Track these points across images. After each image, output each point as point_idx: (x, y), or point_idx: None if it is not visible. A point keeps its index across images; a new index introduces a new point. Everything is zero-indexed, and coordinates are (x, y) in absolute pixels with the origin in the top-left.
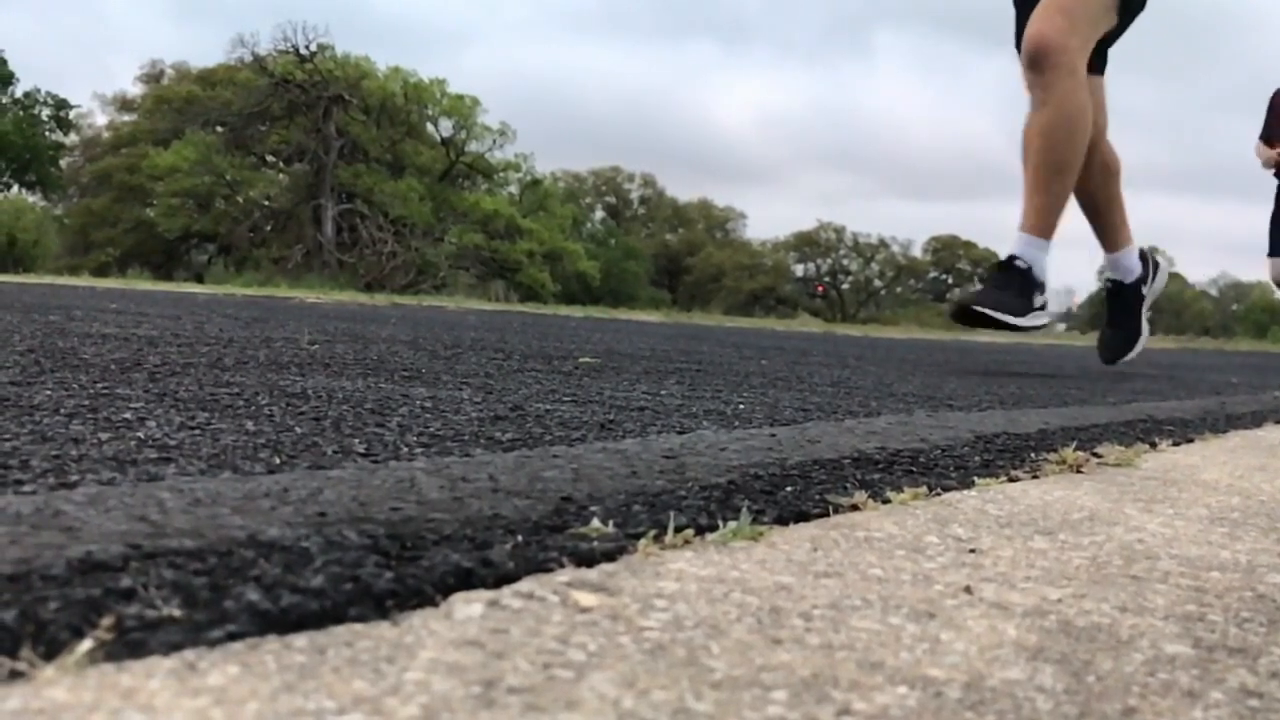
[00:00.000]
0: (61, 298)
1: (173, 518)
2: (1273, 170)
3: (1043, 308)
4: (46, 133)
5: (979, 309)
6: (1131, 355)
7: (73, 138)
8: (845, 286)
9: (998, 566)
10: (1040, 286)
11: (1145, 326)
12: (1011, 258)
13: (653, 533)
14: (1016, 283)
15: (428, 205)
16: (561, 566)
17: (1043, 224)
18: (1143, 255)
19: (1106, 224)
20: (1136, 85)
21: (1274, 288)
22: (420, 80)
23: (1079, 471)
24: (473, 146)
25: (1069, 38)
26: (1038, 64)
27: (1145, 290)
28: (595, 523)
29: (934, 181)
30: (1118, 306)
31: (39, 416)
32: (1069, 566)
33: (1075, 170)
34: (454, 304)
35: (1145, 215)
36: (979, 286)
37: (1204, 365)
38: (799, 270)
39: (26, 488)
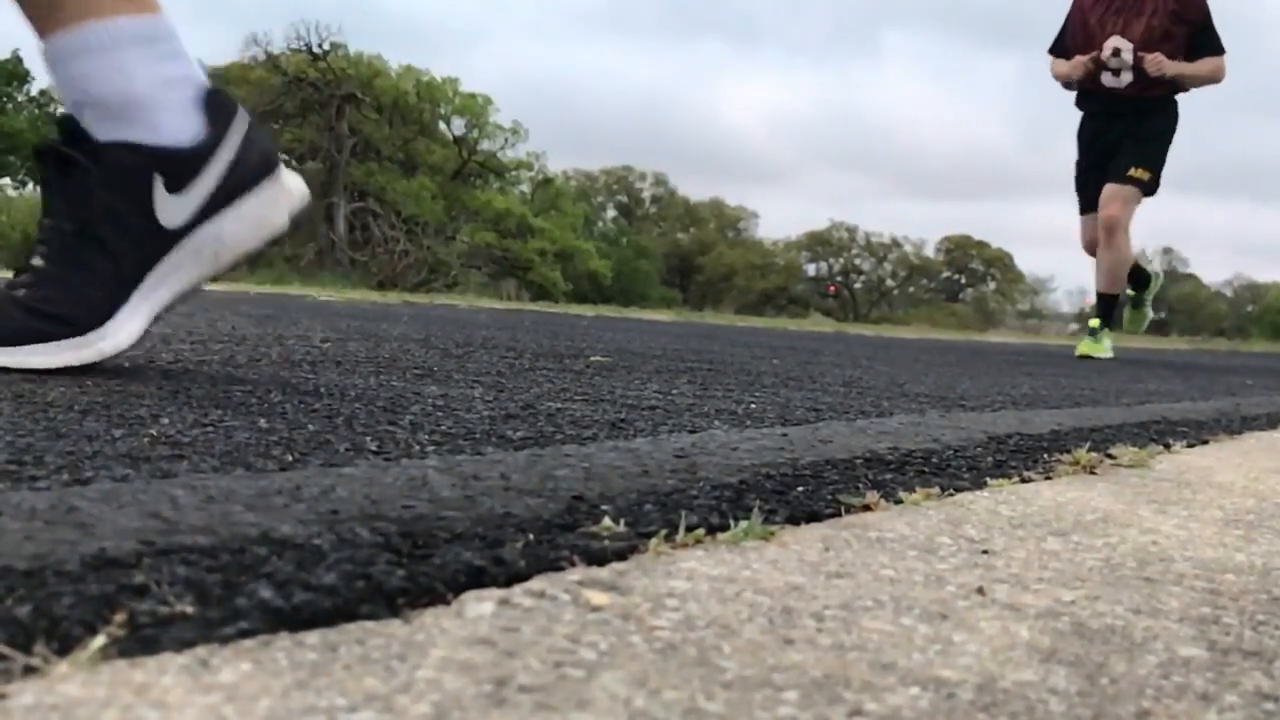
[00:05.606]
0: None
1: (186, 514)
2: (1076, 88)
3: None
4: None
5: None
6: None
7: None
8: (857, 286)
9: (1010, 568)
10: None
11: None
12: None
13: (664, 532)
14: None
15: (440, 204)
16: (573, 565)
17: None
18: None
19: None
20: None
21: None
22: (433, 79)
23: (1092, 472)
24: (485, 145)
25: None
26: None
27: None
28: (607, 521)
29: (946, 181)
30: None
31: (53, 413)
32: (1082, 568)
33: None
34: (466, 302)
35: (1159, 217)
36: None
37: (1218, 366)
38: (811, 270)
39: (41, 484)
